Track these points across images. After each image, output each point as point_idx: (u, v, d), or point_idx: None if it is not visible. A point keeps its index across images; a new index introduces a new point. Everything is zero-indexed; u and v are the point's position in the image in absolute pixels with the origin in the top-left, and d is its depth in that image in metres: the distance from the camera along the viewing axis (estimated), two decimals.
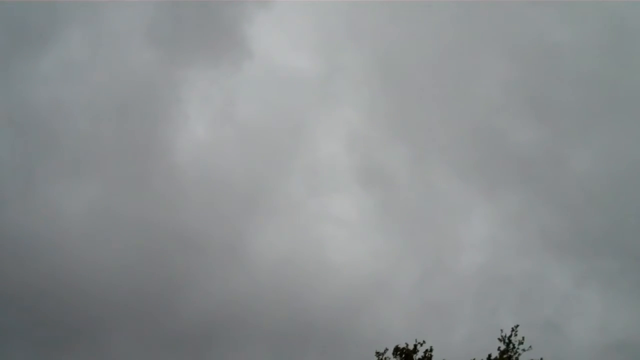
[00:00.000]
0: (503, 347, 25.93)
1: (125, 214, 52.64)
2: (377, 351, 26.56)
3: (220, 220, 55.40)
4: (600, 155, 57.33)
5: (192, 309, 46.19)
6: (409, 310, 45.97)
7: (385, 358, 26.36)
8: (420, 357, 26.39)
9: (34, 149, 56.50)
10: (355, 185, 62.23)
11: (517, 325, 26.12)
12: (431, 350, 26.43)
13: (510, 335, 26.01)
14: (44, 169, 55.23)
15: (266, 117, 64.34)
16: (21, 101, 57.08)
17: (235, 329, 44.94)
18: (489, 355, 25.87)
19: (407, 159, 62.02)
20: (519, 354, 25.68)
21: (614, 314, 46.14)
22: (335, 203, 59.73)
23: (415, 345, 26.42)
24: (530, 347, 25.71)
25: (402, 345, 26.48)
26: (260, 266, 50.69)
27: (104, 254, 49.24)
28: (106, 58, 61.52)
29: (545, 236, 54.05)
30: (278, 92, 65.15)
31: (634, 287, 47.74)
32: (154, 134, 59.59)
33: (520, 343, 25.82)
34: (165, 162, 57.94)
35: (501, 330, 26.24)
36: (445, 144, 62.59)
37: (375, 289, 49.79)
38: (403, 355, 26.41)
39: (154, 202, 54.95)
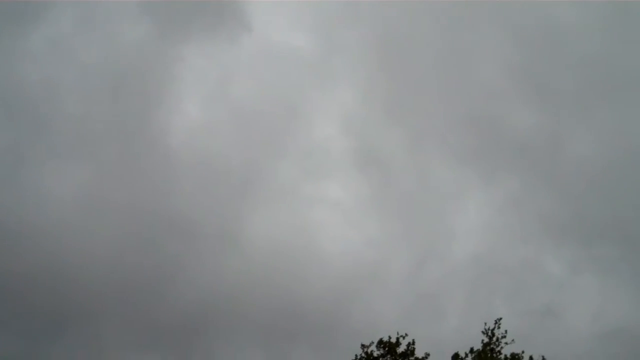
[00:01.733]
0: (486, 339, 25.68)
1: (115, 199, 51.46)
2: (363, 344, 26.41)
3: (213, 205, 54.51)
4: (600, 141, 56.43)
5: (182, 298, 45.49)
6: (402, 300, 45.51)
7: (370, 351, 26.13)
8: (403, 350, 26.16)
9: (21, 130, 55.00)
10: (350, 170, 61.37)
11: (501, 318, 26.03)
12: (413, 343, 26.30)
13: (494, 328, 25.77)
14: (33, 151, 53.76)
15: (261, 98, 62.59)
16: (8, 80, 55.43)
17: (226, 319, 44.38)
18: (472, 348, 25.59)
19: (404, 143, 60.90)
20: (502, 347, 25.41)
21: (612, 302, 45.64)
22: (329, 188, 59.05)
23: (397, 339, 26.30)
24: (513, 340, 25.53)
25: (385, 339, 26.31)
26: (252, 253, 50.16)
27: (93, 240, 48.30)
28: (97, 35, 59.51)
29: (543, 223, 53.43)
30: (274, 71, 63.55)
31: (632, 275, 47.20)
32: (146, 116, 58.18)
33: (504, 336, 25.53)
34: (157, 145, 56.63)
35: (485, 323, 26.12)
36: (442, 128, 61.49)
37: (367, 278, 49.26)
38: (386, 348, 26.16)
39: (145, 186, 53.95)
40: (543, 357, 25.09)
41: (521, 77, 60.24)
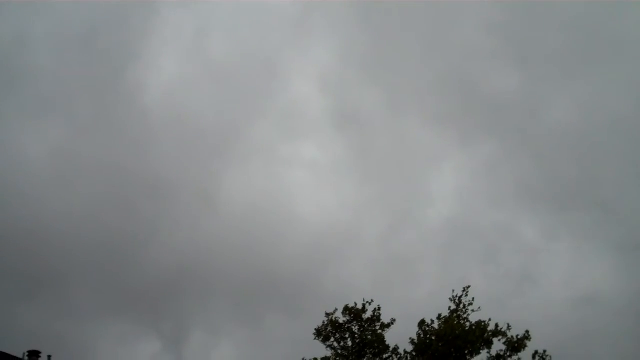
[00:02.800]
0: (453, 307, 25.46)
1: (89, 157, 50.23)
2: (327, 312, 26.15)
3: (189, 164, 53.89)
4: (578, 106, 55.76)
5: (156, 262, 44.98)
6: (376, 264, 45.37)
7: (334, 318, 25.90)
8: (369, 316, 25.98)
9: None
10: (327, 130, 60.97)
11: (469, 286, 25.70)
12: (379, 309, 26.16)
13: (461, 296, 25.51)
14: (4, 106, 52.42)
15: (238, 54, 61.59)
16: None
17: (199, 283, 44.03)
18: (439, 315, 25.40)
19: (382, 103, 60.14)
20: (469, 314, 25.23)
21: (585, 267, 45.78)
22: (305, 148, 58.61)
23: (364, 305, 26.15)
24: (479, 308, 25.33)
25: (351, 305, 26.08)
26: (228, 215, 49.69)
27: (66, 200, 47.46)
28: None
29: (517, 187, 53.38)
30: (251, 27, 62.61)
31: (606, 240, 47.29)
32: (121, 71, 56.56)
33: (470, 304, 25.33)
34: (132, 102, 55.29)
35: (453, 291, 25.87)
36: (421, 88, 60.63)
37: (341, 241, 49.04)
38: (352, 315, 25.95)
39: (120, 145, 52.87)
40: (508, 324, 24.94)
41: (503, 38, 59.49)
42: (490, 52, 58.83)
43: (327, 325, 25.83)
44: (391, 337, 26.01)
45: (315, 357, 25.39)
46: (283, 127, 60.34)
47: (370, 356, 25.52)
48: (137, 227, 48.05)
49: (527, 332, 24.77)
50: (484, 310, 25.46)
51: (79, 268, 43.64)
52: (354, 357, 25.36)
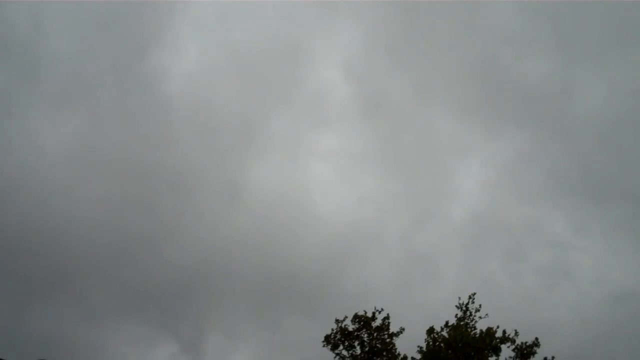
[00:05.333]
0: (460, 314, 25.52)
1: (108, 149, 48.73)
2: (337, 318, 26.49)
3: (211, 157, 52.49)
4: (613, 93, 53.78)
5: (174, 259, 43.87)
6: (397, 263, 44.71)
7: (344, 325, 26.20)
8: (378, 324, 26.19)
9: (11, 73, 51.58)
10: (351, 120, 58.80)
11: (475, 293, 25.93)
12: (389, 317, 26.34)
13: (468, 303, 25.60)
14: (21, 96, 50.58)
15: (261, 41, 59.26)
16: None
17: (218, 281, 43.14)
18: (447, 322, 25.51)
19: (408, 92, 58.15)
20: (476, 321, 25.24)
21: (617, 263, 44.39)
22: (328, 139, 57.03)
23: (373, 313, 26.38)
24: (487, 314, 25.30)
25: (361, 313, 26.36)
26: (250, 210, 48.43)
27: (82, 195, 45.78)
28: None
29: (548, 181, 51.70)
30: (275, 12, 60.46)
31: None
32: (142, 59, 54.81)
33: (477, 310, 25.36)
34: (153, 92, 53.56)
35: (459, 298, 25.97)
36: (449, 75, 58.79)
37: (362, 239, 47.99)
38: (362, 323, 26.23)
39: (140, 137, 51.14)
40: (516, 331, 24.83)
41: (534, 22, 57.21)
42: (522, 35, 56.97)
43: (337, 332, 26.19)
44: (411, 341, 26.13)
45: None
46: (306, 117, 58.66)
47: None
48: (156, 223, 46.90)
49: (537, 338, 24.71)
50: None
51: (93, 267, 42.79)
52: None
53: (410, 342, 25.84)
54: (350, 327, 26.19)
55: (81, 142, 49.34)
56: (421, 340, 25.72)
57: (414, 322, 30.76)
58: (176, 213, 47.96)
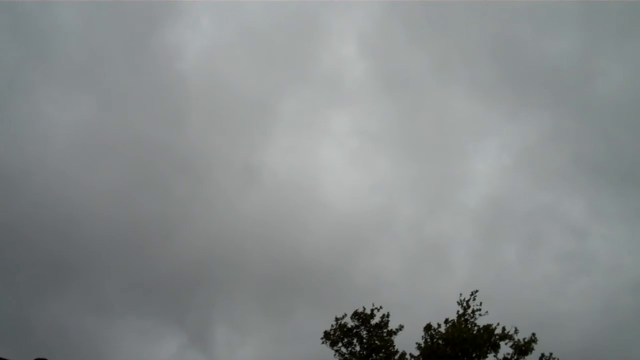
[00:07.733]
0: (461, 311, 25.42)
1: (119, 129, 47.82)
2: (336, 316, 26.62)
3: (224, 139, 51.69)
4: (637, 68, 52.09)
5: (184, 249, 43.41)
6: (409, 252, 44.16)
7: (343, 322, 26.34)
8: (377, 322, 26.27)
9: (20, 51, 50.68)
10: (365, 100, 57.76)
11: (477, 291, 25.71)
12: (388, 315, 26.40)
13: (469, 300, 25.43)
14: (30, 74, 49.42)
15: (275, 16, 58.22)
16: None
17: (228, 271, 42.84)
18: (446, 319, 25.46)
19: (424, 70, 56.74)
20: (476, 319, 25.12)
21: (638, 249, 43.27)
22: (343, 120, 55.94)
23: (372, 310, 26.43)
24: (487, 312, 25.23)
25: (360, 310, 26.43)
26: (264, 195, 48.04)
27: (92, 177, 45.17)
28: None
29: (568, 163, 50.33)
30: None
31: None
32: (154, 34, 53.77)
33: (479, 308, 25.33)
34: (166, 68, 52.55)
35: (460, 294, 25.82)
36: (466, 52, 57.27)
37: (374, 227, 47.34)
38: (361, 320, 26.36)
39: (152, 115, 50.32)
40: (515, 328, 24.66)
41: None
42: (544, 9, 55.21)
43: (336, 329, 26.36)
44: (414, 338, 25.97)
45: None
46: (320, 96, 57.65)
47: None
48: (165, 212, 46.23)
49: (534, 334, 24.52)
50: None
51: (101, 259, 42.15)
52: None
53: (412, 340, 25.78)
54: (350, 324, 26.43)
55: (90, 125, 48.47)
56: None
57: (425, 314, 30.89)
58: (187, 200, 47.40)
